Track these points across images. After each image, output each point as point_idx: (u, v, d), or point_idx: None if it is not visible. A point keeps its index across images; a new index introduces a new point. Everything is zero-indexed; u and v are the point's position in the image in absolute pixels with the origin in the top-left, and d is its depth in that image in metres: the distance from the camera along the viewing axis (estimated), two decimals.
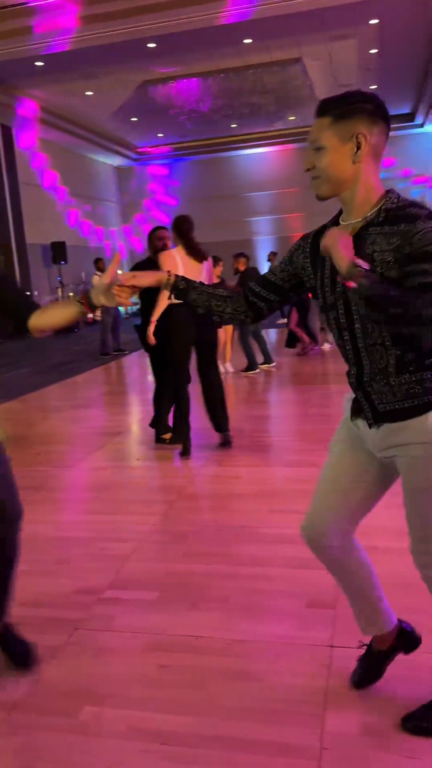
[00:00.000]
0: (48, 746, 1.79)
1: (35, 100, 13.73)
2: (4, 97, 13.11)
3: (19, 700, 1.98)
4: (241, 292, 1.75)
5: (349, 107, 1.51)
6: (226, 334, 7.71)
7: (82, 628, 2.36)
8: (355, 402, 1.69)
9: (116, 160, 20.09)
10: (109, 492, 3.89)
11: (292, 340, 8.87)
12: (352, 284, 1.42)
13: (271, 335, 10.96)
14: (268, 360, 7.92)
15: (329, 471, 1.80)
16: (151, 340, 4.40)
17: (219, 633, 2.27)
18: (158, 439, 4.83)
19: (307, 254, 1.67)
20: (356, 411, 1.69)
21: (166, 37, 10.42)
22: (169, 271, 1.72)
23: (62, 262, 15.57)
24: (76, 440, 5.27)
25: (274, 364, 7.93)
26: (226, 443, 4.52)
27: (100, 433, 5.41)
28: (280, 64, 12.41)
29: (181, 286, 1.72)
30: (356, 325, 1.57)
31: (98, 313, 10.47)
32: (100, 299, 1.75)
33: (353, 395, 1.70)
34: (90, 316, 2.08)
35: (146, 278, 1.70)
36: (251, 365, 7.57)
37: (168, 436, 4.79)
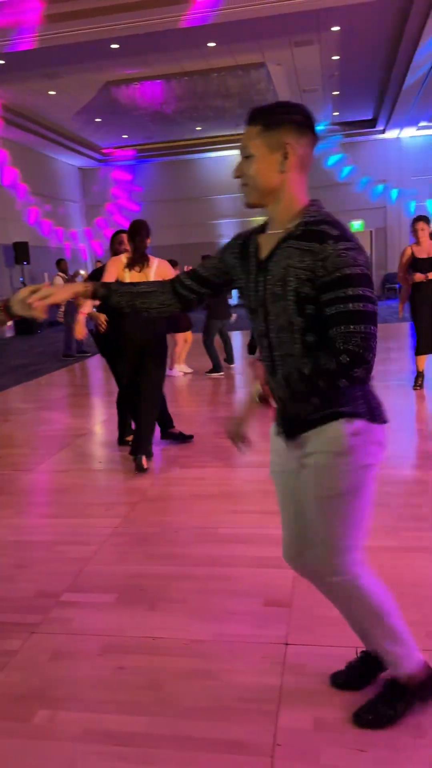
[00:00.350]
0: (2, 751, 1.78)
1: None
2: None
3: None
4: (169, 284, 1.77)
5: (277, 117, 1.52)
6: (182, 337, 7.76)
7: (39, 632, 2.35)
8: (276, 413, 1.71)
9: (80, 161, 19.93)
10: (70, 495, 3.86)
11: (254, 348, 8.94)
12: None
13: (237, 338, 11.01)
14: (230, 360, 8.02)
15: (279, 500, 1.85)
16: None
17: (177, 633, 2.28)
18: (121, 441, 4.82)
19: (237, 255, 1.69)
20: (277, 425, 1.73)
21: (130, 39, 10.39)
22: (85, 281, 1.71)
23: (24, 263, 15.36)
24: (37, 443, 5.21)
25: (233, 366, 8.02)
26: (137, 466, 4.18)
27: (62, 435, 5.36)
28: (244, 68, 12.49)
29: (101, 293, 1.73)
30: (272, 335, 1.60)
31: (60, 314, 10.38)
32: (17, 309, 1.70)
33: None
34: (9, 324, 2.05)
35: (63, 293, 1.68)
36: (215, 367, 7.61)
37: (131, 438, 4.79)
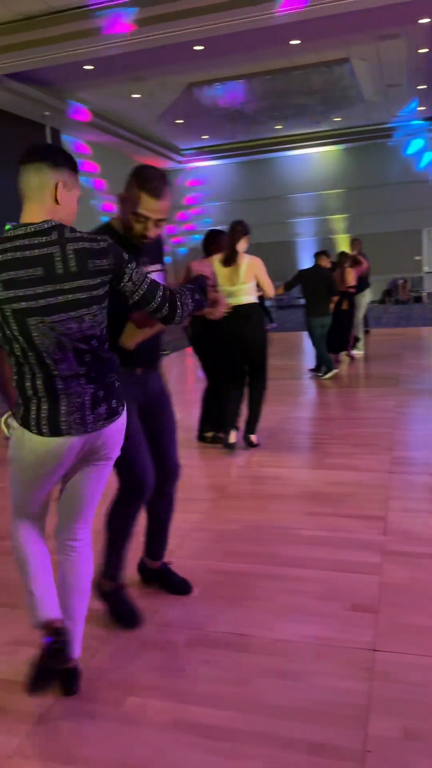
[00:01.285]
0: (93, 733, 1.84)
1: (83, 103, 13.98)
2: (54, 100, 13.39)
3: None
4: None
5: None
6: None
7: None
8: None
9: (161, 163, 20.28)
10: None
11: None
12: None
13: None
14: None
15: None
16: None
17: (260, 632, 2.29)
18: (201, 437, 4.88)
19: None
20: None
21: (213, 40, 10.48)
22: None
23: None
24: None
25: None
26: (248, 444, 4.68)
27: None
28: (328, 65, 12.32)
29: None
30: None
31: None
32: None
33: None
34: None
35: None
36: (329, 366, 7.43)
37: (210, 434, 4.85)
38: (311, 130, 17.98)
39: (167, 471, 2.52)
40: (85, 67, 11.53)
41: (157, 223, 2.16)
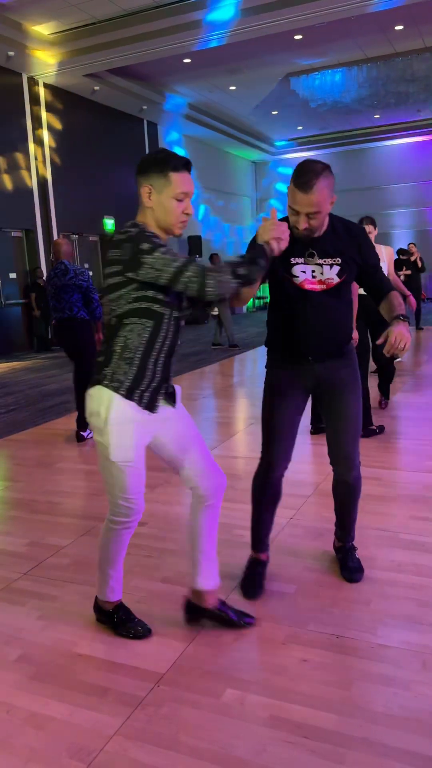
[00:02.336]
0: (193, 721, 1.85)
1: (181, 96, 14.14)
2: (152, 93, 13.63)
3: (165, 674, 2.07)
4: None
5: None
6: None
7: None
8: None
9: (254, 155, 20.21)
10: (243, 481, 3.93)
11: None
12: None
13: None
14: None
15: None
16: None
17: (361, 635, 2.22)
18: (315, 431, 4.91)
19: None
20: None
21: (314, 28, 10.29)
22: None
23: (197, 256, 15.98)
24: (209, 428, 5.39)
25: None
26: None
27: (232, 423, 5.49)
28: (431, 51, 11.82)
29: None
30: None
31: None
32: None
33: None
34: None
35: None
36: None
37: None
38: (410, 119, 17.34)
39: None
40: (184, 60, 11.65)
41: (309, 216, 2.18)
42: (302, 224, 2.19)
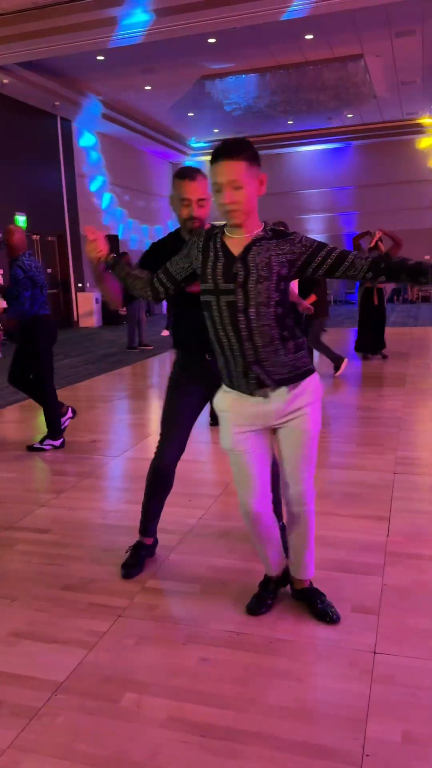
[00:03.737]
0: (89, 729, 1.83)
1: (95, 94, 13.93)
2: (66, 90, 13.34)
3: (63, 682, 2.03)
4: (151, 275, 2.25)
5: (256, 153, 2.04)
6: None
7: (125, 616, 2.40)
8: (252, 380, 2.10)
9: (170, 156, 20.20)
10: None
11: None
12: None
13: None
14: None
15: (251, 460, 2.26)
16: None
17: (261, 630, 2.27)
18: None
19: (200, 251, 2.11)
20: (257, 386, 2.11)
21: (227, 32, 10.41)
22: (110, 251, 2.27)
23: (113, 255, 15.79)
24: (124, 430, 5.34)
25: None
26: None
27: (147, 423, 5.46)
28: (341, 61, 12.24)
29: (111, 262, 2.26)
30: (250, 310, 2.02)
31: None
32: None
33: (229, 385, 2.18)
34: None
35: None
36: (337, 360, 7.21)
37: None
38: (323, 126, 17.89)
39: None
40: (98, 57, 11.48)
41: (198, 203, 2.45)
42: (197, 211, 2.46)
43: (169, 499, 3.60)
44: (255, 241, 2.03)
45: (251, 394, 2.12)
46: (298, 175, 19.89)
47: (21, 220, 13.55)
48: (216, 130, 17.91)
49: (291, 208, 19.63)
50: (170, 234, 2.61)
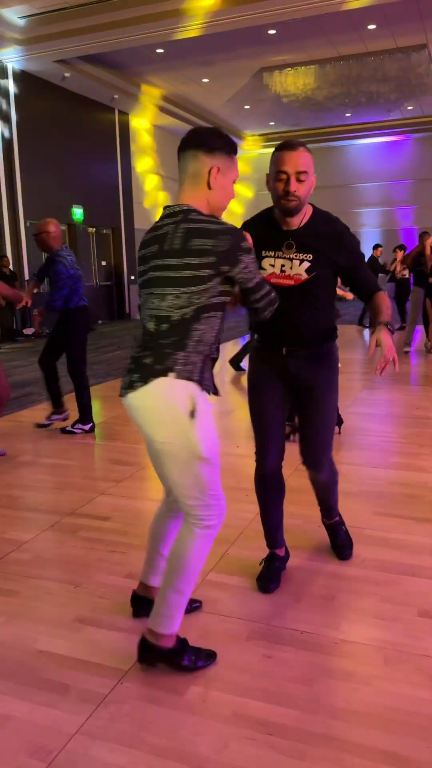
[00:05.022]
0: (156, 719, 1.84)
1: (153, 86, 14.00)
2: (124, 83, 13.46)
3: (128, 670, 2.05)
4: None
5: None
6: None
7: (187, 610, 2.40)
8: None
9: None
10: None
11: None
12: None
13: None
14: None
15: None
16: None
17: (324, 630, 2.24)
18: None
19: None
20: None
21: (287, 24, 10.29)
22: None
23: None
24: None
25: None
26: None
27: None
28: (404, 51, 11.94)
29: None
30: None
31: None
32: None
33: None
34: None
35: None
36: None
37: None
38: (382, 118, 17.51)
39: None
40: (157, 50, 11.53)
41: (298, 178, 2.19)
42: (293, 185, 2.15)
43: (227, 494, 3.61)
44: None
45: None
46: (355, 168, 19.55)
47: (78, 212, 13.77)
48: (272, 123, 17.77)
49: (347, 202, 19.33)
50: (261, 214, 2.41)
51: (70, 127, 13.56)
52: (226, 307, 1.95)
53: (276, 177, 2.18)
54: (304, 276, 2.29)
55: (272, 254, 2.31)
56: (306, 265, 2.28)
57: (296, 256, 2.28)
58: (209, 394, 1.97)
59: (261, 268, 2.30)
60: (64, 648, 2.18)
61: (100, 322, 14.43)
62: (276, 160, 2.18)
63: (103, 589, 2.56)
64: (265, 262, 2.32)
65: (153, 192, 16.52)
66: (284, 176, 2.16)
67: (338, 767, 1.65)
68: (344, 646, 2.14)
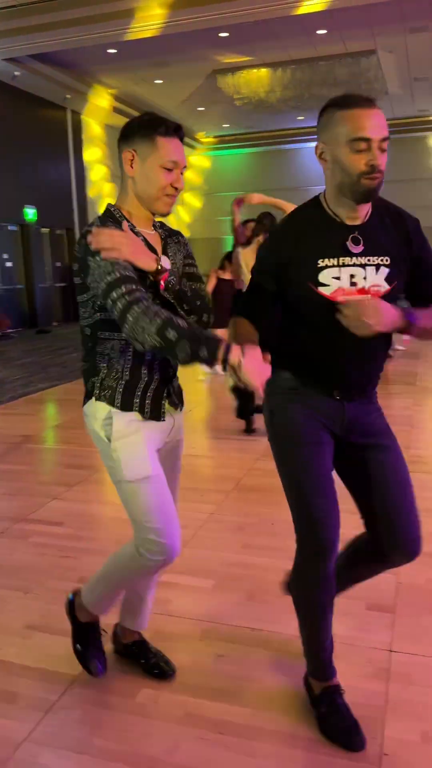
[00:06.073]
0: (106, 723, 1.82)
1: (105, 87, 13.90)
2: (76, 83, 13.32)
3: (78, 676, 2.02)
4: None
5: None
6: None
7: None
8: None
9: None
10: None
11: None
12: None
13: None
14: None
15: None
16: None
17: (276, 627, 2.26)
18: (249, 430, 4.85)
19: None
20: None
21: (239, 27, 10.35)
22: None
23: None
24: None
25: None
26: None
27: None
28: (354, 56, 12.16)
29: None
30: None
31: None
32: None
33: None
34: None
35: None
36: None
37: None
38: None
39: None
40: (109, 50, 11.45)
41: (381, 147, 1.57)
42: (378, 157, 1.55)
43: (181, 494, 3.60)
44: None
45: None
46: (308, 171, 19.78)
47: (31, 213, 13.55)
48: (226, 125, 17.85)
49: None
50: (306, 206, 1.75)
51: (21, 126, 13.32)
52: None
53: (352, 146, 1.54)
54: (385, 287, 1.64)
55: (335, 262, 1.62)
56: (385, 272, 1.64)
57: (369, 260, 1.63)
58: (148, 419, 1.72)
59: (321, 284, 1.62)
60: (13, 655, 2.14)
61: (55, 323, 14.22)
62: (349, 122, 1.53)
63: (54, 595, 2.52)
64: (326, 275, 1.62)
65: (99, 182, 16.33)
66: (364, 145, 1.53)
67: (288, 761, 1.67)
68: (295, 642, 2.15)
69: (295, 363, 1.74)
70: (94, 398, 1.73)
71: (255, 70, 13.00)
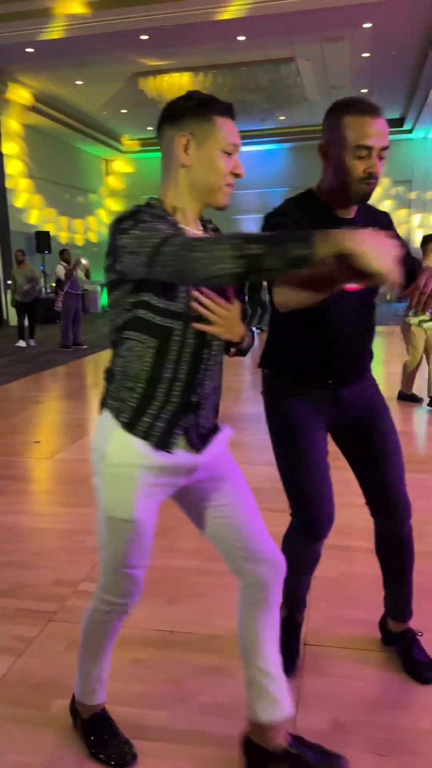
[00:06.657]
0: (19, 738, 1.78)
1: (24, 86, 13.59)
2: None
3: None
4: None
5: None
6: None
7: (56, 620, 2.35)
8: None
9: (104, 152, 19.95)
10: (85, 485, 3.87)
11: None
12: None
13: None
14: None
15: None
16: None
17: (194, 628, 2.27)
18: None
19: None
20: None
21: (160, 30, 10.37)
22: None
23: (46, 251, 15.43)
24: (55, 432, 5.23)
25: None
26: None
27: (80, 425, 5.37)
28: (273, 63, 12.43)
29: None
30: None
31: (58, 304, 10.26)
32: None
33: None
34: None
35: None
36: None
37: None
38: (256, 127, 18.09)
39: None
40: (27, 49, 11.21)
41: (381, 155, 1.64)
42: (378, 165, 1.64)
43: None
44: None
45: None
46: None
47: None
48: (150, 128, 17.81)
49: (227, 209, 19.74)
50: (303, 195, 1.82)
51: None
52: (162, 332, 1.39)
53: (355, 153, 1.62)
54: None
55: None
56: None
57: None
58: (156, 447, 1.44)
59: None
60: None
61: None
62: (355, 128, 1.61)
63: None
64: None
65: (24, 194, 15.96)
66: (366, 152, 1.61)
67: (203, 760, 1.68)
68: (213, 642, 2.19)
69: (289, 356, 1.83)
70: (106, 409, 1.49)
71: (177, 74, 13.05)
